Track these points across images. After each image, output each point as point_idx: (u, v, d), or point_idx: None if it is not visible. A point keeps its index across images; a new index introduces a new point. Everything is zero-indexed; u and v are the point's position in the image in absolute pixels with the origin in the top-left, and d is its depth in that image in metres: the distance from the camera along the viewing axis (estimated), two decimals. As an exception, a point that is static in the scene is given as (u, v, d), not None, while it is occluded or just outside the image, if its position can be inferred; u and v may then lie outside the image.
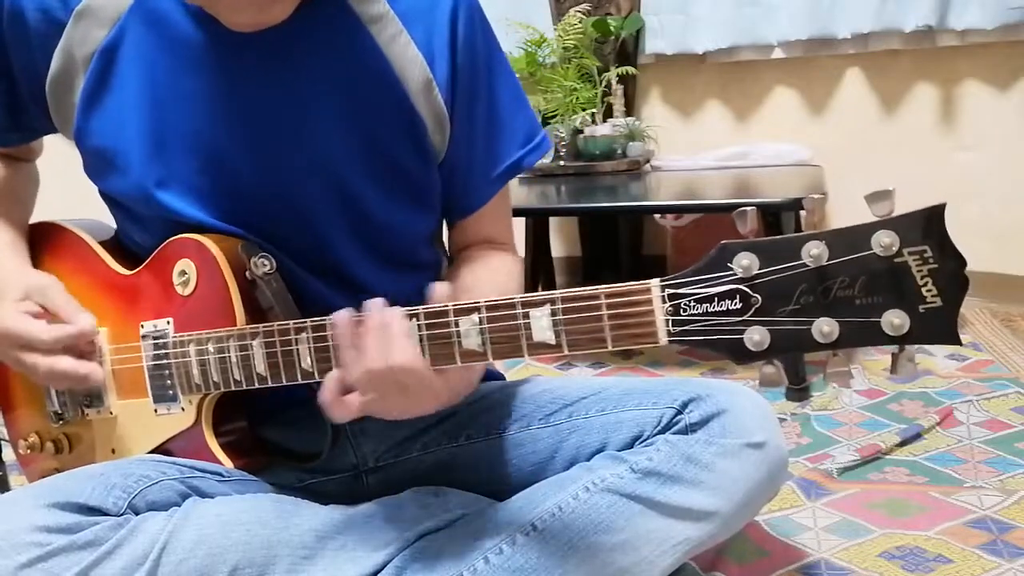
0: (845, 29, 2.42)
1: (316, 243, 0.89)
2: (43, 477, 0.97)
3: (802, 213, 2.52)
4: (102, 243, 0.97)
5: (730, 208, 2.15)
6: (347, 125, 0.88)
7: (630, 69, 2.57)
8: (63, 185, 1.10)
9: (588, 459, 0.87)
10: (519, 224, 2.39)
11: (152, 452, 0.88)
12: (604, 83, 2.54)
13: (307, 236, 0.89)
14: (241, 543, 0.77)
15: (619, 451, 0.86)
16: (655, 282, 0.64)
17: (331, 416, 0.73)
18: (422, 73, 0.89)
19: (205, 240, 0.85)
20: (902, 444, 1.50)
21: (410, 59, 0.88)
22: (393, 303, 0.74)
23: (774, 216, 1.79)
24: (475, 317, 0.70)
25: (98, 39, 0.86)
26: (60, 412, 0.94)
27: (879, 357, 2.01)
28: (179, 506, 0.79)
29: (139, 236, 0.93)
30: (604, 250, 2.71)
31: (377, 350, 0.69)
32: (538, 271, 2.51)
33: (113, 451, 0.91)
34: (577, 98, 2.51)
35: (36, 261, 0.97)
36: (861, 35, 2.42)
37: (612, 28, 2.54)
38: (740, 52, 2.58)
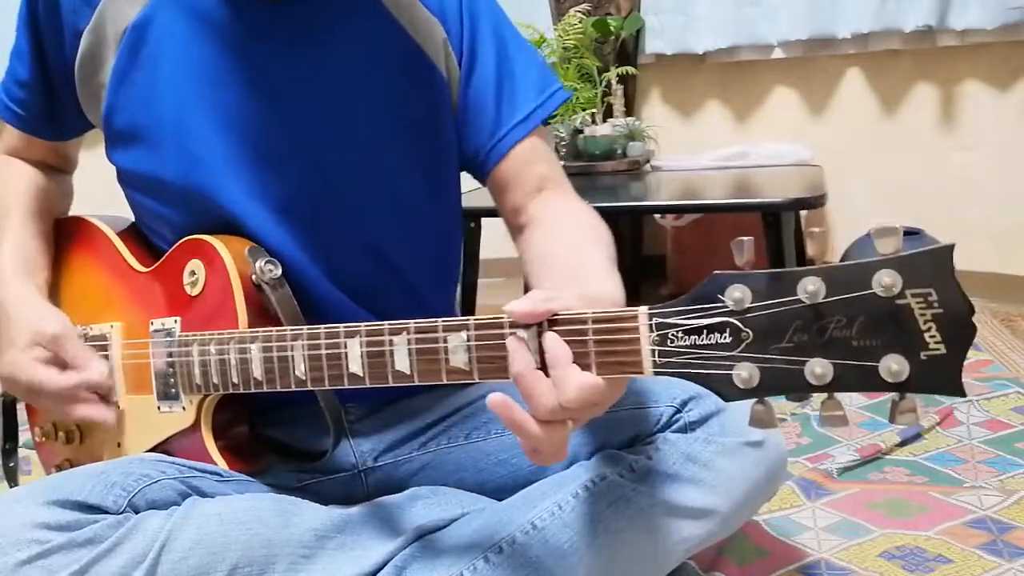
0: (845, 29, 2.42)
1: (347, 215, 0.90)
2: (55, 466, 0.98)
3: (803, 213, 2.52)
4: (121, 234, 0.97)
5: (730, 208, 2.17)
6: (372, 94, 0.89)
7: (630, 69, 2.57)
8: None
9: (588, 458, 0.87)
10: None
11: (153, 450, 0.88)
12: (604, 83, 2.54)
13: (338, 208, 0.90)
14: (240, 542, 0.76)
15: (619, 450, 0.86)
16: (643, 310, 0.61)
17: (544, 462, 0.67)
18: (438, 33, 0.92)
19: (215, 242, 0.86)
20: (902, 444, 1.50)
21: (424, 21, 0.91)
22: (418, 272, 0.76)
23: (774, 216, 1.79)
24: (463, 335, 0.68)
25: (131, 15, 0.87)
26: None
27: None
28: (179, 505, 0.79)
29: (160, 216, 0.92)
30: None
31: (560, 382, 0.63)
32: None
33: (119, 445, 0.91)
34: (577, 98, 2.51)
35: (61, 258, 0.98)
36: (861, 35, 2.42)
37: (612, 28, 2.54)
38: (740, 52, 2.59)
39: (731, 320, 0.57)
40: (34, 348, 0.86)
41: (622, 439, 0.87)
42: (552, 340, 0.63)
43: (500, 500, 0.89)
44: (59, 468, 0.97)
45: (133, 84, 0.88)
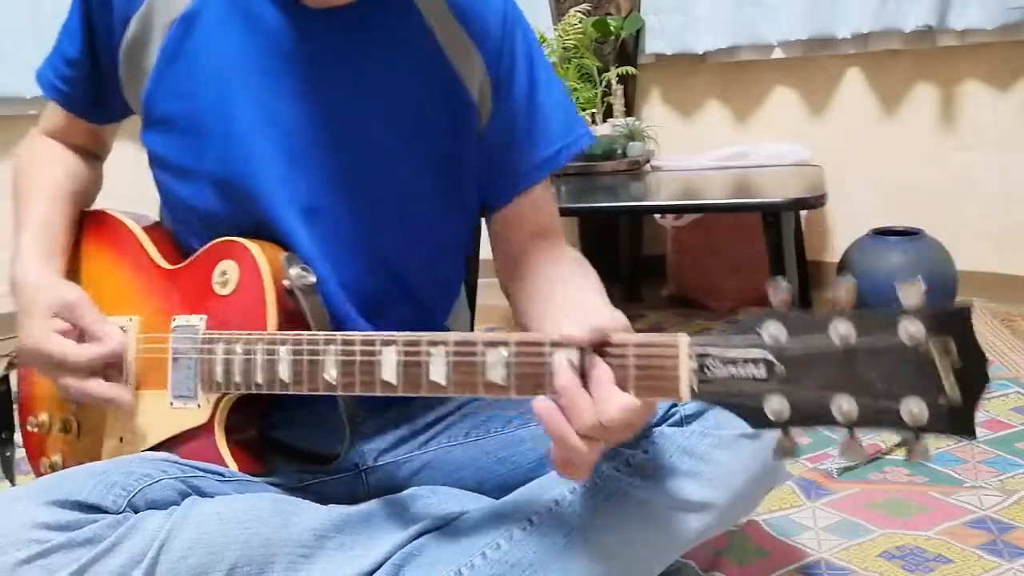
0: (845, 29, 2.42)
1: (365, 227, 0.91)
2: (45, 460, 0.97)
3: (803, 213, 2.52)
4: (146, 230, 0.98)
5: (730, 208, 2.17)
6: (403, 110, 0.91)
7: (630, 69, 2.57)
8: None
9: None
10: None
11: (160, 445, 0.88)
12: (604, 83, 2.54)
13: (357, 219, 0.91)
14: (240, 542, 0.76)
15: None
16: (684, 338, 0.65)
17: (572, 475, 0.71)
18: (475, 59, 0.93)
19: (251, 245, 0.86)
20: (902, 444, 1.50)
21: (463, 46, 0.92)
22: (426, 289, 0.81)
23: (774, 216, 1.79)
24: (503, 351, 0.70)
25: (180, 6, 0.89)
26: None
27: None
28: (179, 505, 0.79)
29: (189, 203, 0.92)
30: (604, 250, 2.71)
31: (602, 402, 0.67)
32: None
33: (121, 439, 0.91)
34: (577, 98, 2.51)
35: (85, 249, 0.99)
36: (861, 35, 2.42)
37: (612, 28, 2.54)
38: (740, 52, 2.58)
39: (766, 354, 0.61)
40: (52, 319, 0.86)
41: (619, 435, 0.87)
42: (596, 361, 0.66)
43: (499, 498, 0.89)
44: (51, 465, 0.96)
45: (176, 73, 0.89)
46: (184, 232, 0.95)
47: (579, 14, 2.52)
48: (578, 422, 0.66)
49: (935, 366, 0.57)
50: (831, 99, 2.58)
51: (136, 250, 0.96)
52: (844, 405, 0.59)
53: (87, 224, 1.01)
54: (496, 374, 0.70)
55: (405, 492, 0.91)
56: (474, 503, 0.89)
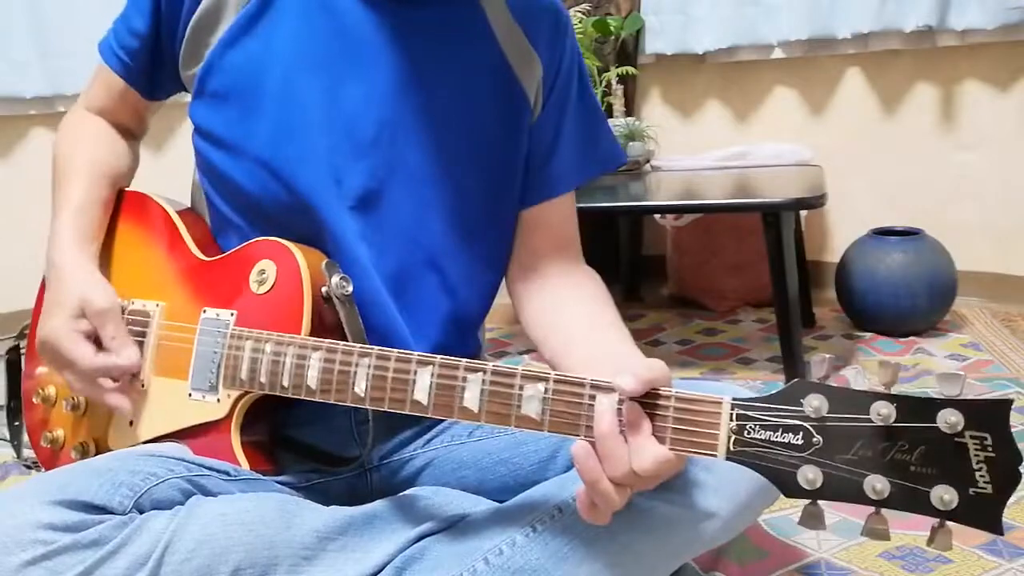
0: (845, 29, 2.42)
1: (409, 222, 0.92)
2: (44, 432, 0.96)
3: (803, 213, 2.51)
4: (183, 216, 0.98)
5: (730, 208, 2.17)
6: (461, 107, 0.93)
7: (630, 69, 2.57)
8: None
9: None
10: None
11: (170, 435, 0.88)
12: (604, 83, 2.54)
13: (402, 214, 0.92)
14: (243, 543, 0.77)
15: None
16: (727, 399, 0.66)
17: (596, 519, 0.71)
18: (535, 67, 0.96)
19: (292, 247, 0.87)
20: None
21: (525, 53, 0.95)
22: (468, 293, 0.83)
23: (774, 216, 1.79)
24: (540, 386, 0.71)
25: None
26: None
27: (877, 356, 2.02)
28: (183, 504, 0.79)
29: (228, 179, 0.93)
30: (604, 250, 2.71)
31: (638, 451, 0.68)
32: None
33: (131, 424, 0.91)
34: (577, 98, 2.51)
35: (120, 229, 0.99)
36: (861, 35, 2.42)
37: (612, 28, 2.54)
38: (740, 52, 2.59)
39: (806, 425, 0.63)
40: (79, 320, 0.87)
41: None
42: (637, 412, 0.67)
43: (501, 499, 0.90)
44: (52, 440, 0.96)
45: (243, 49, 0.90)
46: (215, 203, 0.95)
47: (579, 14, 2.52)
48: (612, 470, 0.67)
49: (969, 457, 0.59)
50: (831, 99, 2.58)
51: (172, 236, 0.96)
52: (877, 484, 0.61)
53: (124, 205, 1.00)
54: (531, 408, 0.71)
55: (408, 493, 0.91)
56: (476, 506, 0.89)
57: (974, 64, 2.40)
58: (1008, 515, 1.24)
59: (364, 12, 0.90)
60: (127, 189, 1.02)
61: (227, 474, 0.84)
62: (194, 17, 0.91)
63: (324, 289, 0.85)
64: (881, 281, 2.15)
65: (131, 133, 1.06)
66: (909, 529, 1.22)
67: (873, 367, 1.88)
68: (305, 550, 0.79)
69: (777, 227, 1.79)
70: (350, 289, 0.86)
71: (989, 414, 0.58)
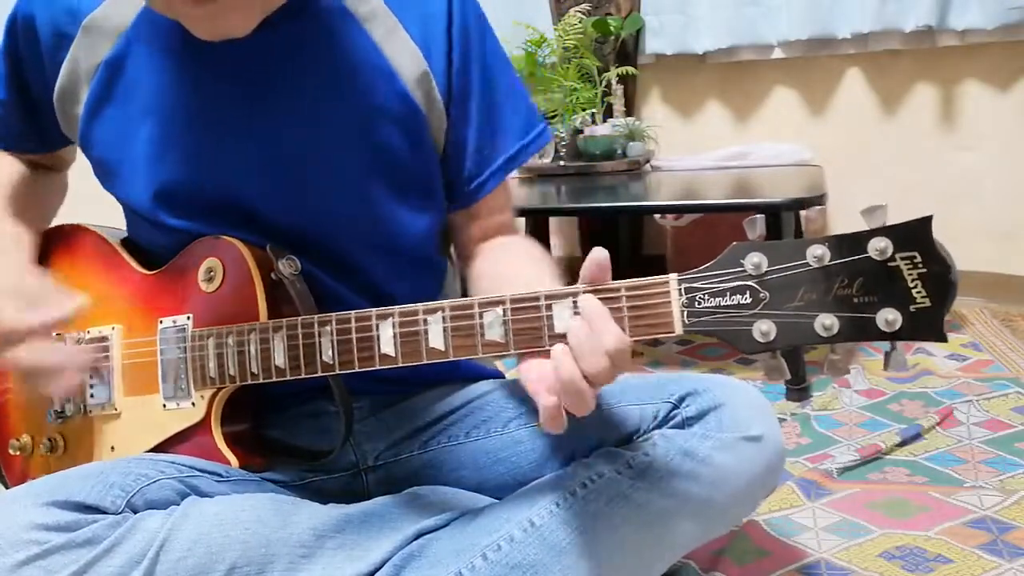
0: (845, 29, 2.42)
1: (330, 247, 0.90)
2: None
3: (803, 213, 2.53)
4: (123, 242, 0.98)
5: (730, 208, 2.17)
6: (351, 127, 0.88)
7: (630, 69, 2.57)
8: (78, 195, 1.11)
9: (586, 455, 0.87)
10: (519, 224, 2.39)
11: (155, 449, 0.88)
12: (604, 83, 2.54)
13: (321, 241, 0.90)
14: (239, 542, 0.76)
15: (616, 447, 0.86)
16: (673, 276, 0.69)
17: (556, 427, 0.70)
18: (419, 66, 0.90)
19: (234, 240, 0.86)
20: (902, 444, 1.50)
21: (407, 53, 0.90)
22: (403, 298, 0.76)
23: (774, 216, 1.79)
24: (499, 310, 0.72)
25: (103, 51, 0.88)
26: (61, 410, 0.93)
27: (879, 357, 2.01)
28: (178, 505, 0.78)
29: (148, 238, 0.94)
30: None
31: (604, 334, 0.68)
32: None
33: (113, 448, 0.91)
34: (577, 98, 2.51)
35: (57, 260, 0.98)
36: (861, 35, 2.42)
37: (612, 28, 2.54)
38: (740, 52, 2.58)
39: (750, 283, 0.66)
40: (13, 299, 0.84)
41: (620, 436, 0.88)
42: (591, 299, 0.69)
43: (500, 499, 0.89)
44: None
45: (105, 119, 0.89)
46: (149, 249, 0.95)
47: (579, 14, 2.52)
48: (589, 365, 0.67)
49: (903, 277, 0.62)
50: (831, 99, 2.58)
51: (113, 259, 0.96)
52: (826, 322, 0.64)
53: (61, 237, 1.00)
54: (495, 333, 0.72)
55: (405, 492, 0.91)
56: (474, 503, 0.89)
57: (974, 64, 2.39)
58: (1008, 515, 1.24)
59: (213, 51, 0.83)
60: (64, 223, 1.01)
61: (219, 475, 0.84)
62: (55, 92, 0.91)
63: (272, 274, 0.85)
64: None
65: (47, 168, 1.04)
66: (909, 529, 1.21)
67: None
68: (302, 548, 0.79)
69: (777, 227, 1.78)
70: (298, 268, 0.86)
71: (913, 233, 0.62)
